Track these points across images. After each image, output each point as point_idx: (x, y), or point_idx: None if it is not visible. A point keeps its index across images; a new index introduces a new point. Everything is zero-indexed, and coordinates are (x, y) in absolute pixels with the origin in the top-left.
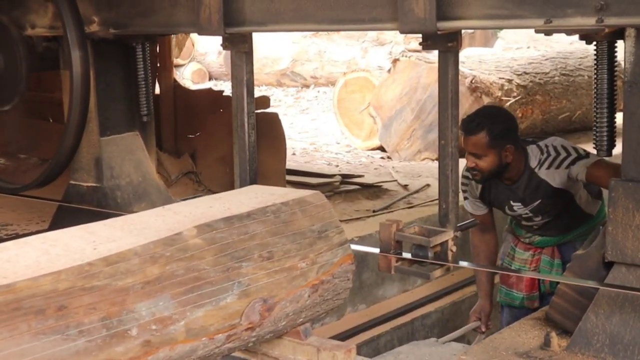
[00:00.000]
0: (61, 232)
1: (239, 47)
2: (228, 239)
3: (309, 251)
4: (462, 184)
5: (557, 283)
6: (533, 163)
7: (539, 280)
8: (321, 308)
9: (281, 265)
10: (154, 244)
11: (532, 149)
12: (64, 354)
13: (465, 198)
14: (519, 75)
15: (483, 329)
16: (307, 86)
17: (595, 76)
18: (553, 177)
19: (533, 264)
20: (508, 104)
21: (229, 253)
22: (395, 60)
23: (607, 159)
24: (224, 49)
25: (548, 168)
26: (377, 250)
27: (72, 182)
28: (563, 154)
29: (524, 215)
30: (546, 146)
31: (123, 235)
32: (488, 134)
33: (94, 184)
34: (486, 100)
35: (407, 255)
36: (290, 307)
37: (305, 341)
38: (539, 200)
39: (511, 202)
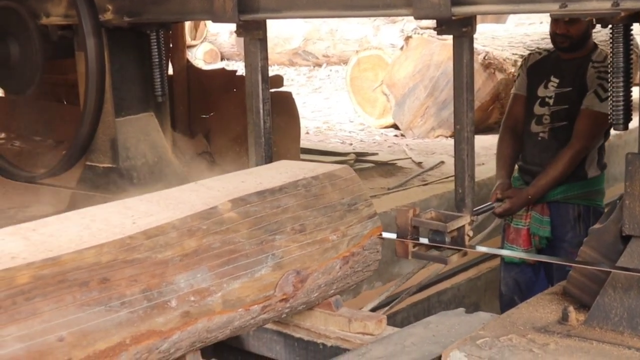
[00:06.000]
0: (99, 208)
1: (253, 34)
2: (261, 213)
3: (339, 224)
4: (524, 58)
5: (547, 239)
6: (594, 57)
7: (530, 236)
8: (351, 279)
9: (313, 237)
10: (191, 217)
11: (600, 52)
12: (108, 325)
13: (518, 75)
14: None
15: (498, 211)
16: (320, 65)
17: (610, 52)
18: (590, 83)
19: (528, 219)
20: None
21: (262, 226)
22: (407, 38)
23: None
24: (237, 35)
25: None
26: (394, 236)
27: (88, 163)
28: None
29: (546, 106)
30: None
31: (160, 210)
32: None
33: (110, 165)
34: (499, 77)
35: (424, 240)
36: (322, 279)
37: (336, 312)
38: (570, 88)
39: (552, 77)
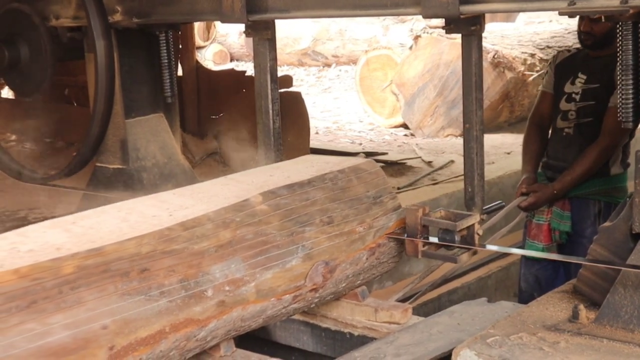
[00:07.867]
0: (135, 201)
1: (262, 34)
2: (291, 205)
3: (365, 216)
4: (553, 56)
5: (567, 234)
6: None
7: (551, 232)
8: (377, 270)
9: (341, 229)
10: (225, 210)
11: None
12: (148, 314)
13: (546, 72)
14: (541, 49)
15: (524, 204)
16: (329, 65)
17: (619, 49)
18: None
19: (549, 215)
20: (531, 78)
21: (292, 218)
22: (416, 37)
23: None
24: (246, 36)
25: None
26: (404, 235)
27: (98, 164)
28: None
29: (572, 101)
30: None
31: (194, 203)
32: None
33: (120, 166)
34: (509, 75)
35: (433, 239)
36: (350, 269)
37: (362, 302)
38: (597, 85)
39: (579, 74)
